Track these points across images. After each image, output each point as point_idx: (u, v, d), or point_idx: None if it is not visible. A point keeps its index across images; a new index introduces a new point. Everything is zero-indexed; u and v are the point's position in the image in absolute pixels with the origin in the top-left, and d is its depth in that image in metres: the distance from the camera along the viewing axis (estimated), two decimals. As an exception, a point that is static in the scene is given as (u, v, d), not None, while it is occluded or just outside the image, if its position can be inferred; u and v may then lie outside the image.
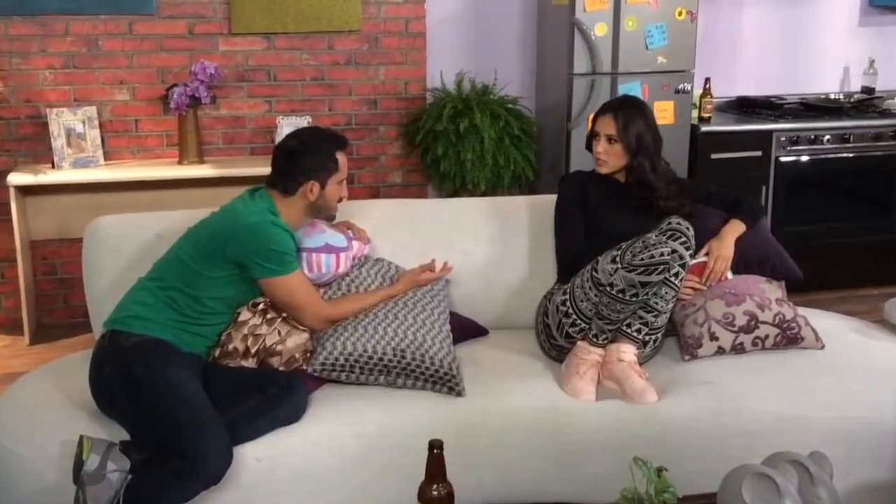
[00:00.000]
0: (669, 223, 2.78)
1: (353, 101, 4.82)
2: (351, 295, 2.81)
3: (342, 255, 2.84)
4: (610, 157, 2.98)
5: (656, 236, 2.73)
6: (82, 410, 2.54)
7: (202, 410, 2.38)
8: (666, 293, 2.73)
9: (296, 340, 2.70)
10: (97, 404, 2.52)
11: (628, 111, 2.97)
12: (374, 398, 2.63)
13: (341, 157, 2.76)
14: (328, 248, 2.81)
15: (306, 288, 2.70)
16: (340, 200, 2.82)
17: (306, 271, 2.77)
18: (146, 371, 2.45)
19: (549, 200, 3.20)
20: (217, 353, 2.68)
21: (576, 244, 2.97)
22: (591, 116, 3.13)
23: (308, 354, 2.70)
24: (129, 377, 2.45)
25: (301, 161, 2.71)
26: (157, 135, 4.61)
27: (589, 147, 3.07)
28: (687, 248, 2.73)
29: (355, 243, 2.95)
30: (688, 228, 2.77)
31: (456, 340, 2.86)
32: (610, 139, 2.96)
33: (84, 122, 4.39)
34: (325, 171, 2.72)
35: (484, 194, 4.49)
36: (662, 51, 4.55)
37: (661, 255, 2.64)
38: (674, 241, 2.71)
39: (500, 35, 4.99)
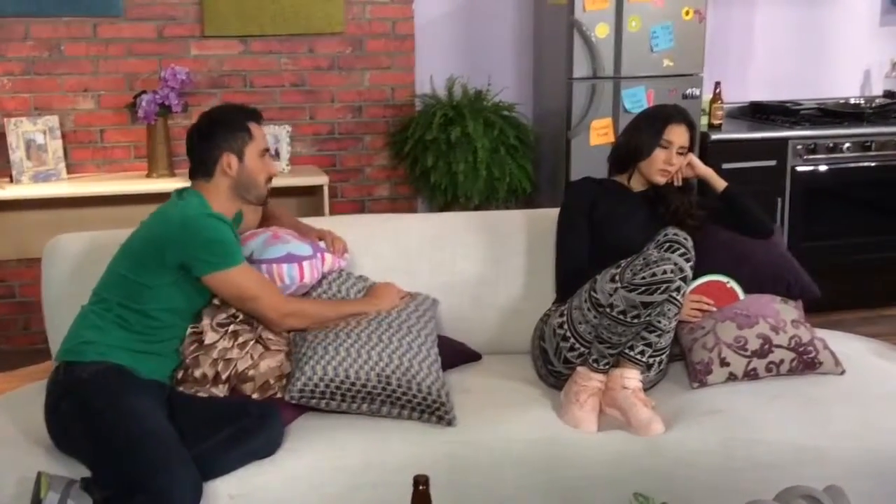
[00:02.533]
0: (666, 234, 2.80)
1: (337, 109, 4.83)
2: (317, 299, 2.83)
3: (306, 263, 2.84)
4: (676, 169, 3.03)
5: (657, 251, 2.74)
6: (40, 445, 2.53)
7: (168, 442, 2.37)
8: (669, 310, 2.74)
9: (269, 364, 2.69)
10: (54, 442, 2.52)
11: (691, 120, 3.05)
12: (356, 429, 2.62)
13: (255, 127, 2.81)
14: (290, 258, 2.82)
15: (256, 277, 2.71)
16: (270, 179, 2.84)
17: None
18: (105, 402, 2.44)
19: (548, 214, 3.21)
20: (179, 375, 2.68)
21: (579, 259, 2.97)
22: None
23: (284, 380, 2.69)
24: (87, 410, 2.44)
25: (212, 136, 2.77)
26: (125, 146, 4.62)
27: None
28: (687, 260, 2.74)
29: (328, 256, 2.95)
30: (686, 239, 2.79)
31: (446, 366, 2.85)
32: (681, 150, 3.01)
33: (45, 133, 4.39)
34: (239, 141, 2.77)
35: (477, 208, 4.51)
36: (669, 53, 4.58)
37: (664, 272, 2.64)
38: (673, 253, 2.72)
39: (494, 37, 5.02)
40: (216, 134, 2.77)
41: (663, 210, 3.00)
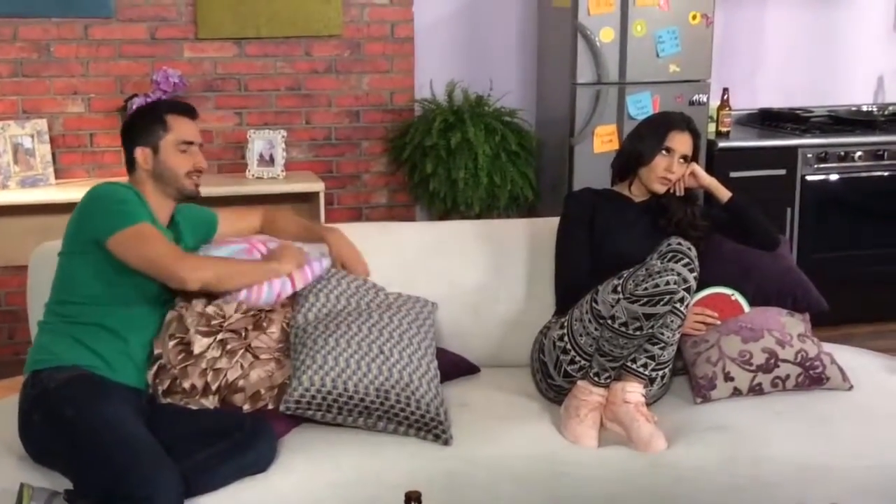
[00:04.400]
0: (669, 244, 2.82)
1: (334, 114, 4.86)
2: (237, 259, 2.86)
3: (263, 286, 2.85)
4: (677, 178, 3.04)
5: (660, 262, 2.76)
6: (23, 457, 2.55)
7: (146, 450, 2.39)
8: (672, 322, 2.75)
9: (259, 374, 2.70)
10: (31, 455, 2.54)
11: (695, 129, 3.07)
12: (351, 444, 2.63)
13: (173, 119, 2.84)
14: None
15: (159, 236, 2.71)
16: (194, 173, 2.84)
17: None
18: (75, 412, 2.46)
19: (550, 223, 3.22)
20: (167, 386, 2.69)
21: (579, 270, 2.99)
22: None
23: (275, 390, 2.71)
24: (58, 421, 2.47)
25: (129, 129, 2.86)
26: (115, 150, 4.63)
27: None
28: (691, 271, 2.75)
29: (299, 275, 2.90)
30: (690, 249, 2.80)
31: (444, 379, 2.87)
32: (685, 158, 3.03)
33: (33, 137, 4.42)
34: (153, 135, 2.81)
35: (478, 216, 4.53)
36: (675, 58, 4.61)
37: (667, 283, 2.66)
38: (676, 263, 2.74)
39: (495, 40, 5.05)
40: (132, 128, 2.86)
41: (665, 221, 3.01)
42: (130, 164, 2.84)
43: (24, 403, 2.58)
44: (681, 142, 3.03)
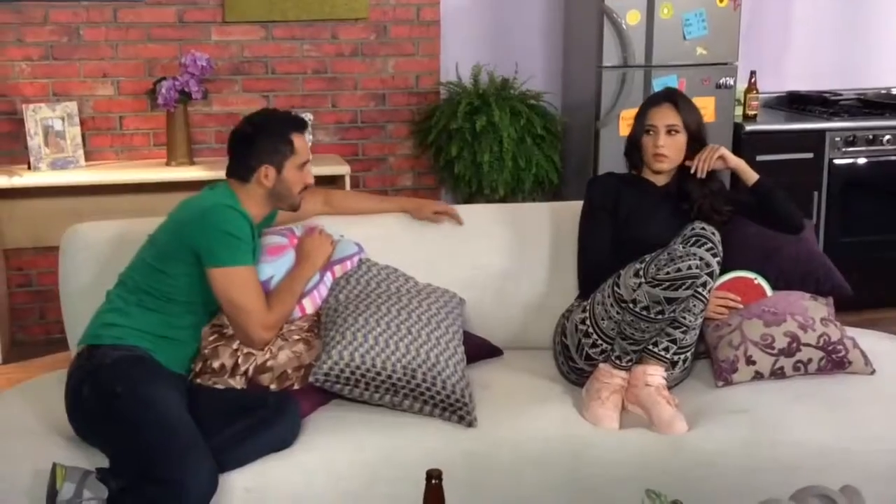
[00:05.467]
0: (693, 228, 2.83)
1: (360, 97, 4.89)
2: (277, 290, 2.85)
3: (306, 300, 2.91)
4: (672, 151, 3.02)
5: (682, 246, 2.77)
6: (57, 436, 2.61)
7: (187, 433, 2.44)
8: (695, 306, 2.77)
9: (287, 354, 2.76)
10: (73, 428, 2.60)
11: (683, 99, 3.06)
12: (375, 423, 2.68)
13: (298, 140, 2.86)
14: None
15: (256, 288, 2.75)
16: (305, 189, 2.90)
17: None
18: (127, 388, 2.52)
19: (574, 207, 3.23)
20: (198, 367, 2.75)
21: (601, 255, 3.01)
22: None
23: (301, 371, 2.76)
24: (108, 395, 2.52)
25: (254, 144, 2.82)
26: (144, 133, 4.70)
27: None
28: (714, 255, 2.76)
29: (328, 275, 2.99)
30: (713, 233, 2.82)
31: (467, 361, 2.90)
32: (671, 130, 3.01)
33: (63, 119, 4.48)
34: (280, 155, 2.82)
35: (503, 200, 4.55)
36: (702, 41, 4.60)
37: (689, 267, 2.67)
38: (699, 248, 2.75)
39: (521, 23, 5.04)
40: (258, 142, 2.82)
41: (687, 206, 3.02)
42: (244, 173, 2.82)
43: (75, 374, 2.63)
44: (659, 115, 3.02)
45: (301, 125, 2.91)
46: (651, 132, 3.03)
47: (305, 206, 3.02)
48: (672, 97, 3.06)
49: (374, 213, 3.25)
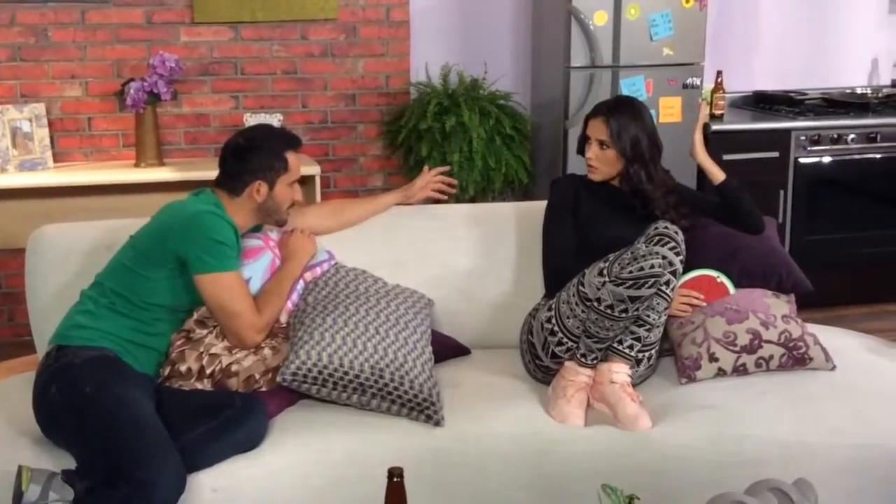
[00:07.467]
0: (656, 228, 2.85)
1: (329, 97, 4.90)
2: (265, 291, 2.88)
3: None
4: (602, 164, 3.05)
5: (646, 245, 2.80)
6: (23, 438, 2.60)
7: (155, 433, 2.45)
8: (658, 304, 2.80)
9: (253, 358, 2.77)
10: (41, 428, 2.60)
11: (622, 114, 3.02)
12: (342, 423, 2.69)
13: (292, 158, 2.88)
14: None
15: (244, 292, 2.78)
16: (292, 205, 2.93)
17: None
18: (95, 388, 2.52)
19: (539, 207, 3.25)
20: (166, 371, 2.76)
21: (565, 254, 3.03)
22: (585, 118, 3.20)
23: (269, 374, 2.77)
24: (76, 395, 2.52)
25: (248, 160, 2.84)
26: (112, 134, 4.69)
27: (581, 151, 3.14)
28: (677, 254, 2.79)
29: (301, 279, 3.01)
30: (676, 233, 2.84)
31: (435, 360, 2.92)
32: (602, 144, 3.03)
33: (31, 121, 4.46)
34: (273, 171, 2.84)
35: (473, 200, 4.57)
36: (669, 41, 4.63)
37: (652, 266, 2.70)
38: (662, 247, 2.78)
39: (490, 24, 5.07)
40: (253, 158, 2.84)
41: (644, 212, 3.02)
42: (236, 186, 2.83)
43: (43, 374, 2.63)
44: (593, 128, 3.05)
45: (296, 143, 2.93)
46: (588, 141, 3.07)
47: (315, 224, 3.08)
48: (609, 111, 3.03)
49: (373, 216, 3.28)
